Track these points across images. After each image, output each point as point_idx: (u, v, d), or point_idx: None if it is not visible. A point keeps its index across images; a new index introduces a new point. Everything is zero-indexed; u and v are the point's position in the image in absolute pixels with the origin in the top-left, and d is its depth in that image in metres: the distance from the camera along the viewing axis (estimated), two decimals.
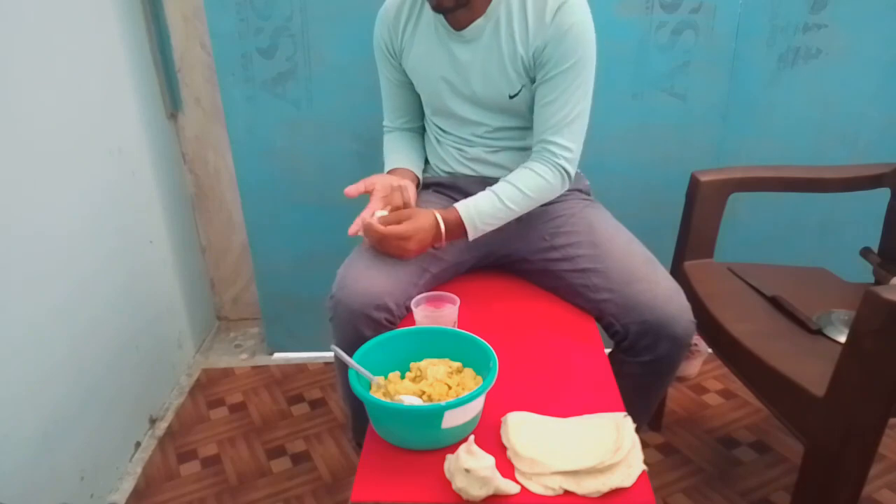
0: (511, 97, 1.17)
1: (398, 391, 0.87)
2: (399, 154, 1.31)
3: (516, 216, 1.17)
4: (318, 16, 1.55)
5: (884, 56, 1.61)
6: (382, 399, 0.86)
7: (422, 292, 1.08)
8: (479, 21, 1.14)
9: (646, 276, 1.11)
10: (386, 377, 0.91)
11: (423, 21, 1.20)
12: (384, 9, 1.24)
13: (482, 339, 0.91)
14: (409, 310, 1.11)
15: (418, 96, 1.31)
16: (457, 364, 0.93)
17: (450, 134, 1.29)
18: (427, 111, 1.33)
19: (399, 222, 1.09)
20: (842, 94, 1.64)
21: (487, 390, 0.82)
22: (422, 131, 1.39)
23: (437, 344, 0.94)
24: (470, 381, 0.90)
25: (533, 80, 1.16)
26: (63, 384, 1.30)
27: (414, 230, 1.08)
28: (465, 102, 1.22)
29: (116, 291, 1.52)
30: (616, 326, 1.12)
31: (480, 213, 1.13)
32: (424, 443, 0.83)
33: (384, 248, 1.11)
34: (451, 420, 0.80)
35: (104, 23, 1.51)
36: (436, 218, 1.11)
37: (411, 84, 1.29)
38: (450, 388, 0.88)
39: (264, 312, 1.94)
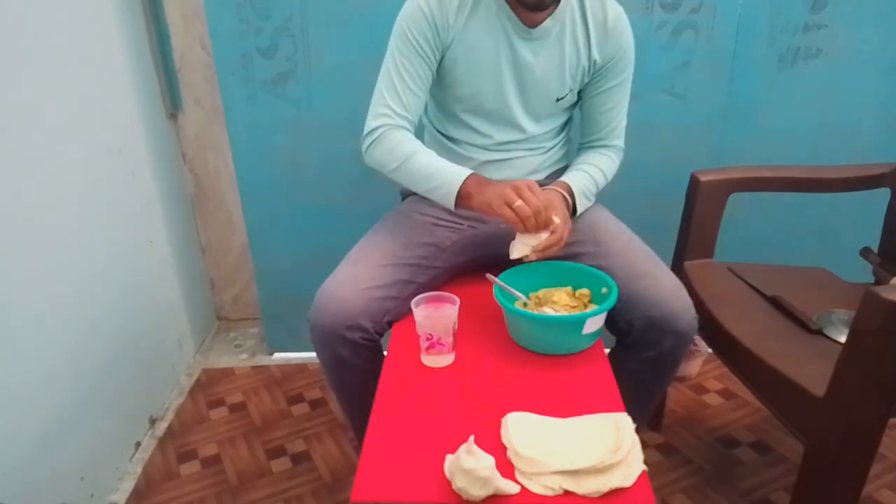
0: (557, 100, 1.20)
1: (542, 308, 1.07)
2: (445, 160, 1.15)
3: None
4: (318, 16, 1.55)
5: (884, 56, 1.61)
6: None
7: (408, 303, 1.06)
8: (547, 22, 1.13)
9: (649, 271, 1.12)
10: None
11: (482, 10, 1.13)
12: None
13: (596, 269, 1.11)
14: (390, 324, 1.14)
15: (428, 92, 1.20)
16: (567, 288, 1.12)
17: (459, 141, 1.25)
18: (453, 108, 1.22)
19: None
20: (842, 94, 1.64)
21: (614, 304, 1.02)
22: None
23: (552, 276, 1.13)
24: (586, 299, 1.09)
25: (580, 87, 1.22)
26: (63, 384, 1.30)
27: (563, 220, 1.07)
28: (506, 105, 1.19)
29: (116, 291, 1.52)
30: (620, 323, 1.13)
31: (586, 193, 1.21)
32: (566, 347, 1.03)
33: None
34: (591, 326, 1.00)
35: (104, 23, 1.51)
36: (563, 196, 1.15)
37: (433, 77, 1.18)
38: (574, 306, 1.07)
39: (264, 312, 1.94)
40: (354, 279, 1.10)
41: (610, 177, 1.27)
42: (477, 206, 1.06)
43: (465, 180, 1.08)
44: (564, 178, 1.21)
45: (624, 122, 1.28)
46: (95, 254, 1.44)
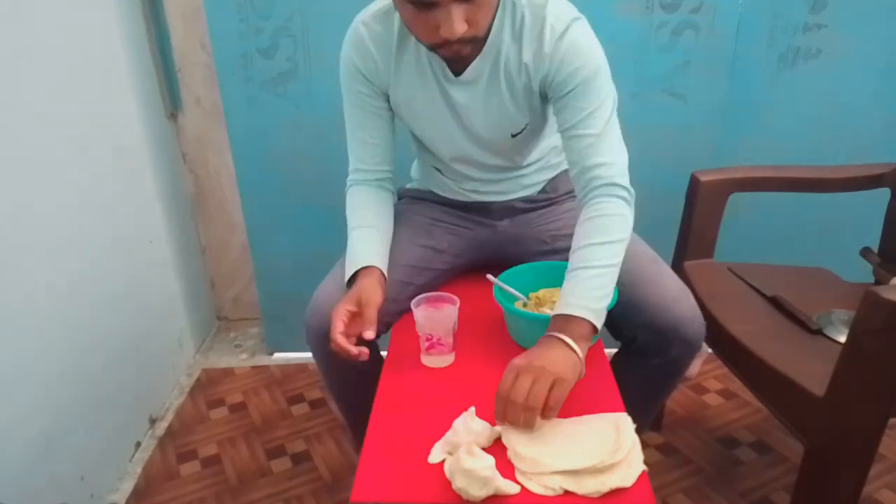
0: (514, 136, 1.10)
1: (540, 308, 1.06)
2: (372, 245, 1.09)
3: (617, 268, 0.95)
4: (318, 16, 1.55)
5: (884, 56, 1.61)
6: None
7: (406, 304, 1.05)
8: (476, 62, 1.02)
9: (653, 278, 1.07)
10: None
11: (409, 56, 1.05)
12: (364, 23, 1.06)
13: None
14: (388, 326, 1.13)
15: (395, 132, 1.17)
16: None
17: (446, 171, 1.22)
18: (422, 148, 1.22)
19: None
20: (842, 94, 1.64)
21: (613, 304, 0.96)
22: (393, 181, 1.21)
23: (552, 276, 1.08)
24: None
25: (543, 111, 1.10)
26: (63, 384, 1.30)
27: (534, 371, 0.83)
28: (459, 149, 1.13)
29: (116, 291, 1.52)
30: (625, 330, 1.10)
31: (584, 295, 0.91)
32: None
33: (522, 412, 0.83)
34: None
35: (104, 22, 1.51)
36: (555, 339, 0.88)
37: (391, 119, 1.14)
38: None
39: (264, 312, 1.94)
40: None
41: (619, 236, 0.97)
42: None
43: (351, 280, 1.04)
44: (561, 294, 0.94)
45: (599, 135, 0.99)
46: (95, 254, 1.43)
